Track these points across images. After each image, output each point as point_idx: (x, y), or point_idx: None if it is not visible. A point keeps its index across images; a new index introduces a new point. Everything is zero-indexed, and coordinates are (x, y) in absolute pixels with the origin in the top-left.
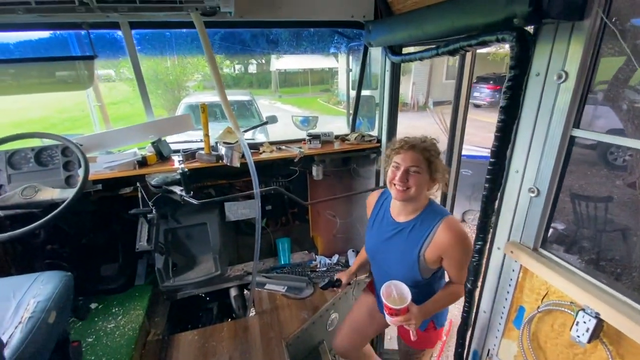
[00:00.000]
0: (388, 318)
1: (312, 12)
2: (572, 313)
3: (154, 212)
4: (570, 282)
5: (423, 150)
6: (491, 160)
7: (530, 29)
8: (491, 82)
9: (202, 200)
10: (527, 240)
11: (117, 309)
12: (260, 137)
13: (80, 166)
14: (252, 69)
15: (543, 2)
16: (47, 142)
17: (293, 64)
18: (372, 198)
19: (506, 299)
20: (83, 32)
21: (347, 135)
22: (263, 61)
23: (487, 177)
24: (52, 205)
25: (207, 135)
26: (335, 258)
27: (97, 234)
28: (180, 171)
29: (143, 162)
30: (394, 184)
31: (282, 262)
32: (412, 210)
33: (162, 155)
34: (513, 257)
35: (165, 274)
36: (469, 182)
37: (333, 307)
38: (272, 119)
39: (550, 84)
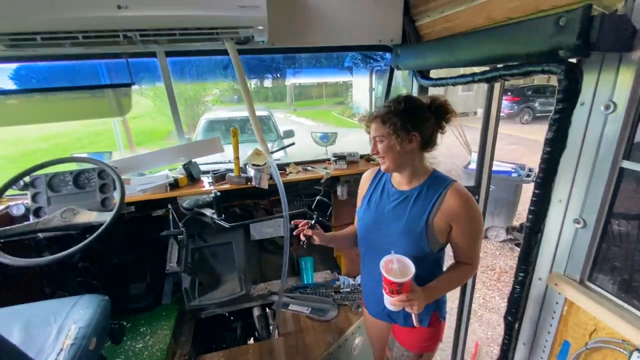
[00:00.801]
0: (387, 299)
1: (340, 38)
2: (625, 352)
3: (184, 233)
4: (621, 318)
5: (377, 116)
6: (535, 191)
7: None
8: (509, 93)
9: (233, 224)
10: (573, 272)
11: (144, 328)
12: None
13: (115, 188)
14: (268, 83)
15: (591, 34)
16: (83, 165)
17: (308, 77)
18: (368, 175)
19: (549, 332)
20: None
21: (371, 154)
22: (278, 75)
23: (531, 208)
24: (89, 227)
25: (237, 158)
26: (359, 279)
27: (126, 253)
28: (213, 195)
29: (174, 184)
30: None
31: (305, 282)
32: (412, 177)
33: (192, 176)
34: (557, 289)
35: (192, 294)
36: (491, 197)
37: (358, 330)
38: (289, 134)
39: (596, 114)
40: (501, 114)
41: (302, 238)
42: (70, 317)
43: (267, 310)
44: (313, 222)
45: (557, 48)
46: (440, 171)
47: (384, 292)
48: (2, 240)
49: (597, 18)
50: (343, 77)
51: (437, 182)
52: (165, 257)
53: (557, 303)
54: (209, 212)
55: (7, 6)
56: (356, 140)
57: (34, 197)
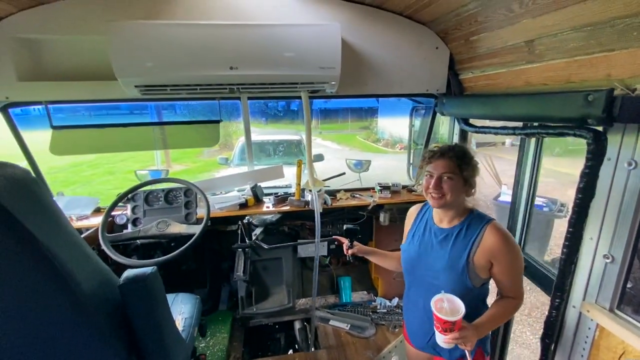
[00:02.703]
0: (440, 337)
1: (393, 87)
2: None
3: (251, 247)
4: None
5: (453, 156)
6: (569, 229)
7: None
8: None
9: (272, 245)
10: (603, 301)
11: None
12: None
13: (197, 205)
14: (294, 106)
15: (614, 110)
16: (172, 184)
17: (334, 103)
18: (413, 211)
19: (582, 356)
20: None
21: (413, 186)
22: None
23: (565, 243)
24: (177, 237)
25: (299, 184)
26: (395, 301)
27: (193, 262)
28: (272, 217)
29: (244, 204)
30: (430, 193)
31: (344, 300)
32: (455, 216)
33: (257, 198)
34: (589, 315)
35: (247, 302)
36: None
37: (395, 349)
38: (319, 158)
39: (621, 169)
40: None
41: (347, 254)
42: (175, 310)
43: (307, 324)
44: (350, 244)
45: (586, 117)
46: (478, 210)
47: (436, 330)
48: (111, 244)
49: (618, 98)
50: (369, 103)
51: (476, 220)
52: (223, 267)
53: (589, 328)
54: (258, 231)
55: (155, 66)
56: (380, 166)
57: (133, 209)
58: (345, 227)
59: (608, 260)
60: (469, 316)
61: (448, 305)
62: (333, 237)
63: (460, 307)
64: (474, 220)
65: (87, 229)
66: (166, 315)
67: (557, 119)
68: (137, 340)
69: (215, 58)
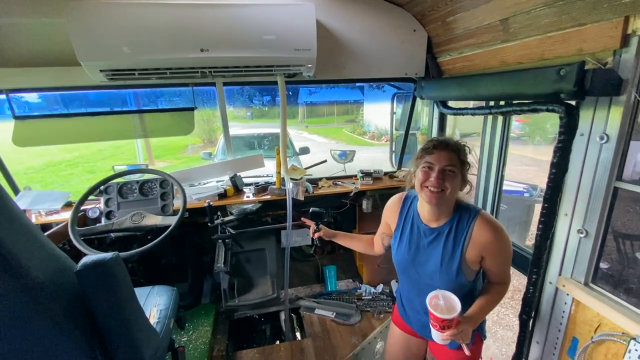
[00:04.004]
0: (437, 334)
1: (372, 71)
2: (624, 342)
3: (231, 237)
4: (621, 314)
5: (456, 149)
6: (544, 205)
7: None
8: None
9: (240, 230)
10: (578, 275)
11: (188, 324)
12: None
13: (173, 197)
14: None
15: (585, 83)
16: (147, 175)
17: (320, 96)
18: (394, 204)
19: (559, 330)
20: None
21: (394, 172)
22: (291, 93)
23: (541, 219)
24: (153, 229)
25: (279, 172)
26: (380, 288)
27: (173, 255)
28: (252, 206)
29: (223, 194)
30: (427, 186)
31: (329, 289)
32: (444, 212)
33: (237, 188)
34: (565, 290)
35: (230, 294)
36: (504, 216)
37: (380, 335)
38: (305, 150)
39: (593, 143)
40: (512, 134)
41: (314, 237)
42: (150, 302)
43: (293, 314)
44: (316, 227)
45: (559, 92)
46: (462, 200)
47: (432, 328)
48: (83, 239)
49: (589, 71)
50: (355, 96)
51: (464, 214)
52: (204, 260)
53: (565, 303)
54: (229, 218)
55: (121, 49)
56: (366, 158)
57: (106, 202)
58: (310, 210)
59: (582, 235)
60: (465, 308)
61: (444, 303)
62: (301, 218)
63: (457, 303)
64: (462, 214)
65: (57, 224)
66: (132, 305)
67: (531, 96)
68: (101, 331)
69: (184, 40)
